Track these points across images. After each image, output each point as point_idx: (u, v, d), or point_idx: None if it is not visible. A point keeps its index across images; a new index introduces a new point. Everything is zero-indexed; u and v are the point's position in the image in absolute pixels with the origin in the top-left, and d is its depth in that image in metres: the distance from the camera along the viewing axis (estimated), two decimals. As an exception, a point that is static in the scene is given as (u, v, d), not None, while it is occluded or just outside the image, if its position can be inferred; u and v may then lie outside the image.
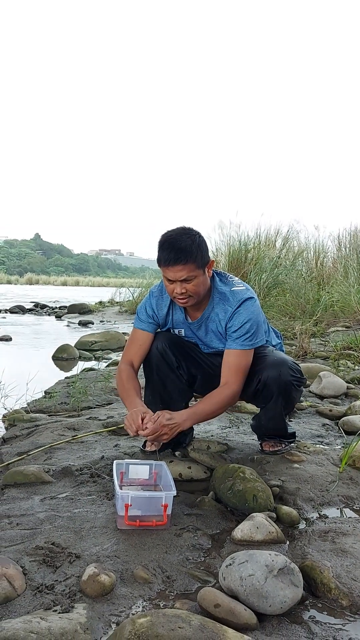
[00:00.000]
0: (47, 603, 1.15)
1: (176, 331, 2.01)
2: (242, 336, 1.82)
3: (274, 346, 2.05)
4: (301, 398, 3.10)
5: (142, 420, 1.68)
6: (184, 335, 2.00)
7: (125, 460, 1.82)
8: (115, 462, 1.73)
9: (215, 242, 8.65)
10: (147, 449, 2.10)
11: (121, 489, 1.54)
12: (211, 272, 1.85)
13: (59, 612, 1.10)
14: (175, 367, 1.96)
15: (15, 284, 40.06)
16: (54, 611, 1.11)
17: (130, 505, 1.47)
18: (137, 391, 1.89)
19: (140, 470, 1.76)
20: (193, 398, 2.35)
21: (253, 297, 1.87)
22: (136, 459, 2.01)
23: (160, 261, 1.75)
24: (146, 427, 1.66)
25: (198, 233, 1.79)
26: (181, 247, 1.72)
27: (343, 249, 8.67)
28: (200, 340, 1.98)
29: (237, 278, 1.96)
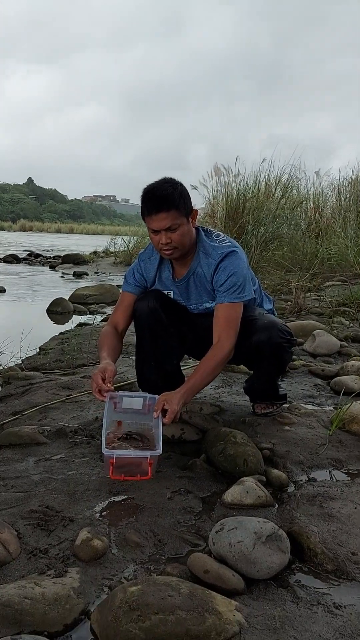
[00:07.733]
0: (41, 567, 1.18)
1: (165, 293, 1.98)
2: (230, 289, 1.81)
3: (266, 312, 2.03)
4: (294, 357, 3.12)
5: (104, 379, 1.69)
6: (172, 297, 1.98)
7: (119, 392, 1.79)
8: (108, 393, 1.69)
9: (212, 190, 8.38)
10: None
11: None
12: (195, 222, 1.84)
13: (53, 577, 1.14)
14: (166, 324, 1.94)
15: (9, 231, 39.42)
16: (47, 575, 1.15)
17: (115, 463, 1.52)
18: (110, 347, 1.88)
19: (134, 401, 1.78)
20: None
21: (236, 251, 1.85)
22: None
23: (144, 212, 1.75)
24: (108, 385, 1.68)
25: (180, 183, 1.79)
26: (163, 195, 1.71)
27: (343, 200, 8.47)
28: (188, 300, 1.95)
29: (222, 234, 1.93)
